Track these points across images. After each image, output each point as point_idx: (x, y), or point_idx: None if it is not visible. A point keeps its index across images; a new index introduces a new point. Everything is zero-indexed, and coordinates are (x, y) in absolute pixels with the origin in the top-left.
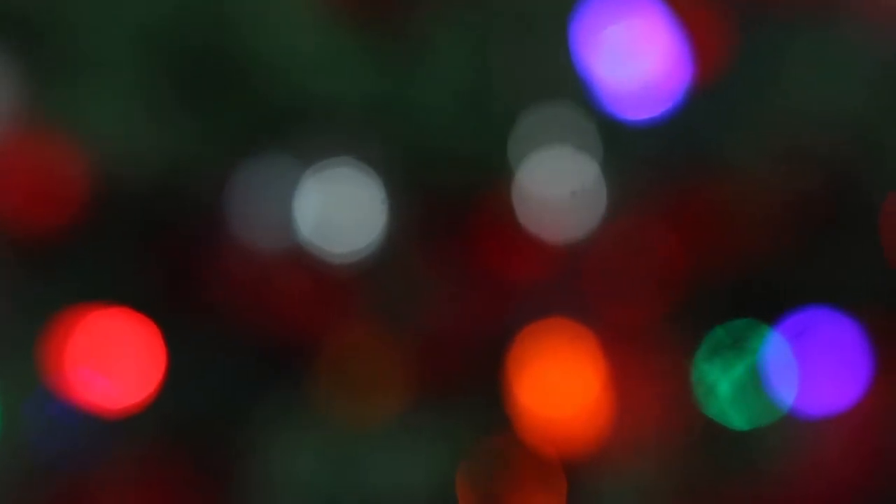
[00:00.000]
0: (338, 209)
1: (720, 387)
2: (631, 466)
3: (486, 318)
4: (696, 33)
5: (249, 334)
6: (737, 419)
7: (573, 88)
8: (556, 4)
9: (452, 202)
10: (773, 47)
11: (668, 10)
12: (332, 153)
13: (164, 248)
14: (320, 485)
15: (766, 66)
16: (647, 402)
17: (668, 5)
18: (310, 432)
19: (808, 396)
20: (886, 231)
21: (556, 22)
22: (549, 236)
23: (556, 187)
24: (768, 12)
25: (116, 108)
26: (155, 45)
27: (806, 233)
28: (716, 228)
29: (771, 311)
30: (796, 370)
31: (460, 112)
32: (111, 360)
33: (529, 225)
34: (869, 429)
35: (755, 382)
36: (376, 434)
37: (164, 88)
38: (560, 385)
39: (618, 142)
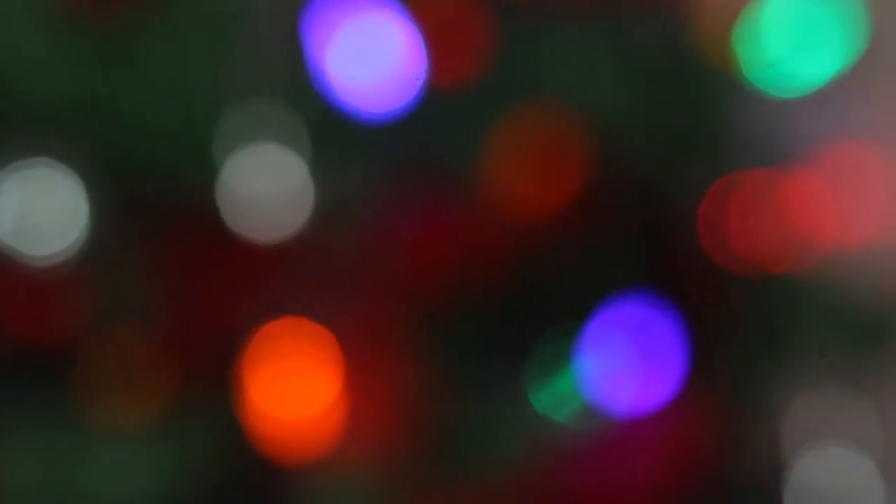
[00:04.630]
0: (38, 211)
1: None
2: (362, 470)
3: (206, 321)
4: (446, 31)
5: None
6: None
7: (293, 84)
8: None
9: (159, 202)
10: (525, 45)
11: (406, 7)
12: (33, 153)
13: None
14: (38, 490)
15: (526, 63)
16: (381, 405)
17: (408, 3)
18: (30, 436)
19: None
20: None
21: (276, 18)
22: (258, 236)
23: (262, 185)
24: (521, 9)
25: None
26: None
27: (556, 234)
28: (456, 230)
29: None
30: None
31: (166, 112)
32: None
33: (232, 224)
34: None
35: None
36: (101, 437)
37: None
38: (289, 387)
39: (340, 139)
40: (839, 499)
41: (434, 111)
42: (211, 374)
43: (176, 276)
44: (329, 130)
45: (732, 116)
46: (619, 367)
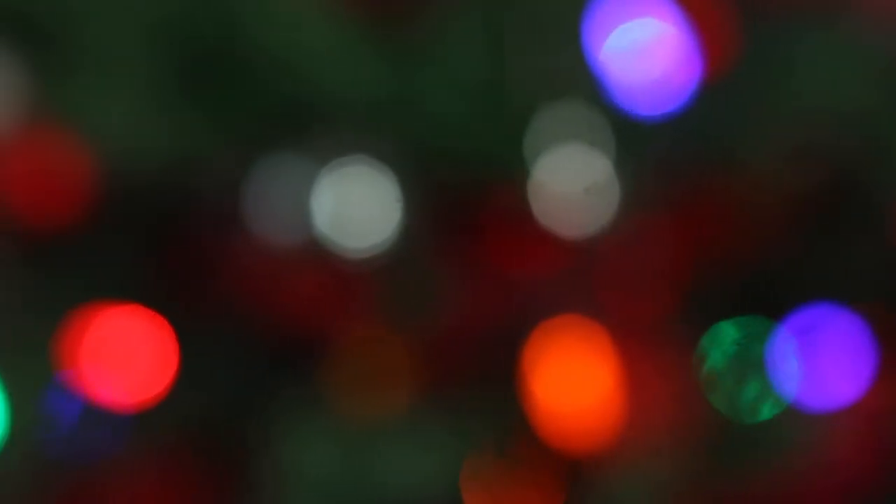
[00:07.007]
0: (352, 206)
1: (725, 380)
2: (643, 463)
3: (499, 315)
4: (706, 30)
5: (263, 330)
6: (741, 413)
7: (586, 85)
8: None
9: (466, 198)
10: (782, 44)
11: (678, 6)
12: (344, 149)
13: (174, 245)
14: (332, 481)
15: (775, 62)
16: (659, 398)
17: (678, 2)
18: (322, 429)
19: (814, 391)
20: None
21: (569, 17)
22: (563, 232)
23: (570, 183)
24: (778, 9)
25: (124, 104)
26: (163, 40)
27: (812, 229)
28: (725, 225)
29: (778, 306)
30: (802, 364)
31: (473, 107)
32: (123, 357)
33: (543, 221)
34: (874, 424)
35: (761, 376)
36: (389, 431)
37: (172, 84)
38: (573, 382)
39: (629, 138)
40: None
41: (702, 107)
42: (494, 369)
43: (480, 271)
44: (622, 128)
45: None
46: (819, 362)
